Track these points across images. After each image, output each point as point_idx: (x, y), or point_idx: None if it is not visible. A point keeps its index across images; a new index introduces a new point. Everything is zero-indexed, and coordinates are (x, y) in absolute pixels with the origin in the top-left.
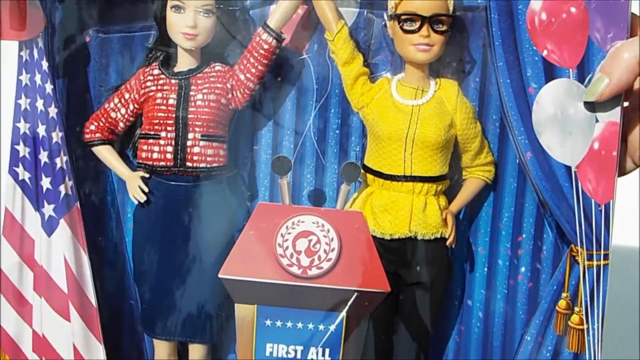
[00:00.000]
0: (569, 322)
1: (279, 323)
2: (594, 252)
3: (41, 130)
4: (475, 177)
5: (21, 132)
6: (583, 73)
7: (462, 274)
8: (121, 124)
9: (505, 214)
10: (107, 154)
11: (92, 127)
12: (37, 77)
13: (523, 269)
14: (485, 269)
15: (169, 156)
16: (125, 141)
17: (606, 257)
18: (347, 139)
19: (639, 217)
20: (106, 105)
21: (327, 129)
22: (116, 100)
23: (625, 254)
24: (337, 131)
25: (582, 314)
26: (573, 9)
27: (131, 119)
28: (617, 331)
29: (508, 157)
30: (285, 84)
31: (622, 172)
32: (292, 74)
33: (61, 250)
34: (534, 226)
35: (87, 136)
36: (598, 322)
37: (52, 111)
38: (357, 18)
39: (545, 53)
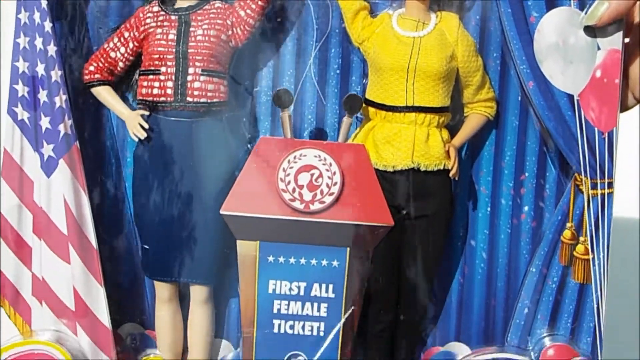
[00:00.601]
0: (574, 252)
1: (281, 259)
2: (598, 181)
3: (40, 69)
4: (477, 112)
5: (20, 71)
6: (584, 1)
7: (464, 214)
8: (120, 64)
9: (507, 152)
10: (106, 95)
11: (92, 68)
12: (36, 15)
13: (526, 208)
14: (488, 209)
15: (169, 91)
16: (125, 86)
17: (610, 185)
18: (348, 79)
19: (639, 187)
20: (105, 46)
21: (327, 69)
22: (115, 39)
23: (625, 226)
24: (338, 71)
25: (587, 244)
26: None
27: (131, 58)
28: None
29: (509, 94)
30: (285, 24)
31: (624, 108)
32: (292, 14)
33: (61, 191)
34: (536, 164)
35: (86, 77)
36: (603, 252)
37: (51, 49)
38: None
39: None
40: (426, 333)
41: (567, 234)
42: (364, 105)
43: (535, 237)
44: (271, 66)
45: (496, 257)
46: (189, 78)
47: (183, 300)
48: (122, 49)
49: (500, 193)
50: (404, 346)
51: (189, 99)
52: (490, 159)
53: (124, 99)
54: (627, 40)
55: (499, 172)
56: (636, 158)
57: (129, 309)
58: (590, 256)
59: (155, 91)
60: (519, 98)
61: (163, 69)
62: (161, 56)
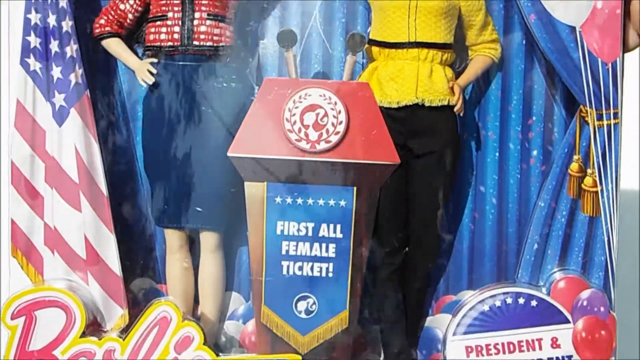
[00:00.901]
0: (582, 185)
1: (289, 200)
2: (604, 112)
3: (52, 20)
4: (481, 54)
5: (32, 22)
6: None
7: (473, 160)
8: (130, 16)
9: (514, 96)
10: (116, 46)
11: (102, 22)
12: None
13: (535, 152)
14: (497, 154)
15: (176, 36)
16: (135, 38)
17: (616, 115)
18: (353, 28)
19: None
20: None
21: (332, 19)
22: None
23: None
24: (343, 20)
25: (595, 176)
26: None
27: (139, 9)
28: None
29: (514, 38)
30: None
31: (627, 49)
32: None
33: (72, 140)
34: (543, 108)
35: (96, 30)
36: (612, 183)
37: (62, 1)
38: None
39: None
40: (437, 278)
41: (574, 166)
42: (367, 46)
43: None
44: (277, 17)
45: (506, 202)
46: (195, 22)
47: (194, 254)
48: (131, 1)
49: (509, 137)
50: (414, 291)
51: (196, 42)
52: (497, 104)
53: (133, 52)
54: None
55: (506, 116)
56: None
57: (140, 264)
58: (599, 188)
59: (162, 36)
60: (524, 42)
61: (170, 14)
62: (168, 2)
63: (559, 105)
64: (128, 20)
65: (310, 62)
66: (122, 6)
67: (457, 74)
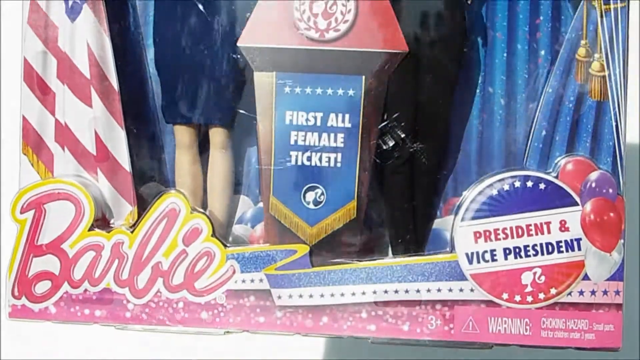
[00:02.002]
0: (590, 70)
1: (298, 89)
2: None
3: None
4: None
5: None
6: None
7: (481, 61)
8: None
9: None
10: None
11: None
12: None
13: (543, 52)
14: (505, 55)
15: None
16: None
17: None
18: None
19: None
20: None
21: None
22: None
23: None
24: None
25: (603, 60)
26: None
27: None
28: None
29: None
30: None
31: None
32: None
33: (84, 36)
34: (551, 7)
35: None
36: (620, 68)
37: None
38: None
39: None
40: (445, 180)
41: (581, 51)
42: None
43: None
44: None
45: (515, 102)
46: None
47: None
48: None
49: (516, 38)
50: (422, 190)
51: None
52: (505, 3)
53: None
54: None
55: (514, 16)
56: None
57: (149, 168)
58: (606, 72)
59: None
60: None
61: None
62: None
63: (566, 4)
64: None
65: None
66: None
67: None
